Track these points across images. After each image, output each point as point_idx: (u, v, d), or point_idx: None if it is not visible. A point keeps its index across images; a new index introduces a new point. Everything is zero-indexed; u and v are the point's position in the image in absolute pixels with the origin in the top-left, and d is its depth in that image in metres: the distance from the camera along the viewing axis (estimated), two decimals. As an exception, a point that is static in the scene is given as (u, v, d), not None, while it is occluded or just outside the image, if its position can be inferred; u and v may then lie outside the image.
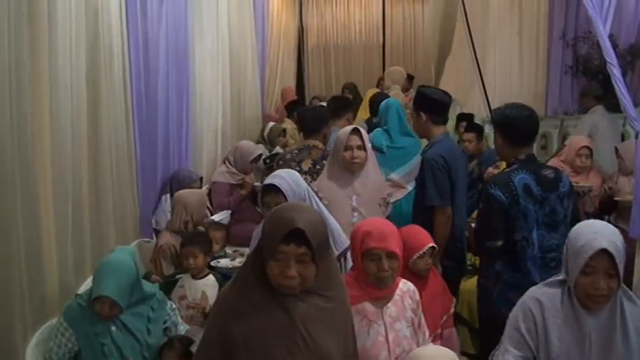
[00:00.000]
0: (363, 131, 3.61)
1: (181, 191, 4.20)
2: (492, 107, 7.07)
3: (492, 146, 6.88)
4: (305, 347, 1.91)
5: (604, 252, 2.17)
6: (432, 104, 3.76)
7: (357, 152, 3.51)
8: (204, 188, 5.17)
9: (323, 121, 4.32)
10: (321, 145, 4.21)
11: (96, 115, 3.55)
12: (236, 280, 2.04)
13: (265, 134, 6.35)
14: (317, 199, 3.20)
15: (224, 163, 5.28)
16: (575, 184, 4.64)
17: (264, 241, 1.95)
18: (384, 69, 9.02)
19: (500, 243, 3.05)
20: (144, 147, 4.25)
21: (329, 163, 3.68)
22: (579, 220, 2.58)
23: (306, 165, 4.14)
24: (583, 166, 4.93)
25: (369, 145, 3.60)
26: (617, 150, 4.99)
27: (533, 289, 2.43)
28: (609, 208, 4.73)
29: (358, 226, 2.66)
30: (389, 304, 2.57)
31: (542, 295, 2.35)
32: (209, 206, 5.06)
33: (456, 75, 7.44)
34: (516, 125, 3.12)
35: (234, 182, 5.11)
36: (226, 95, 6.19)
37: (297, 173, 3.15)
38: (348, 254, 2.99)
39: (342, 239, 3.08)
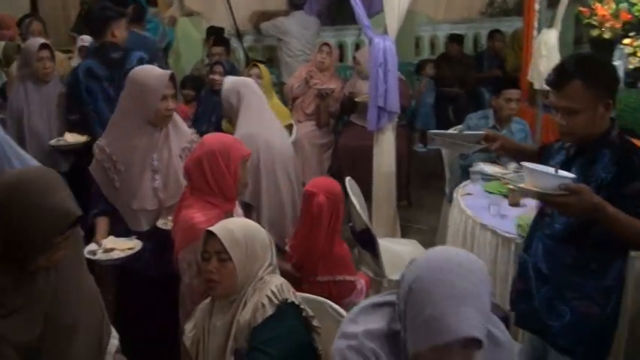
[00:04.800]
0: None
1: None
2: (237, 20, 7.19)
3: (239, 57, 7.11)
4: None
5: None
6: None
7: (172, 103, 2.83)
8: None
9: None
10: None
11: None
12: None
13: (-1, 53, 5.71)
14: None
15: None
16: (320, 87, 5.16)
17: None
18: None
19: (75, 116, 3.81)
20: None
21: (124, 113, 2.86)
22: None
23: None
24: (322, 61, 5.40)
25: None
26: (354, 57, 5.56)
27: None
28: (350, 109, 5.33)
29: None
30: None
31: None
32: None
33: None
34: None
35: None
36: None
37: None
38: None
39: None
